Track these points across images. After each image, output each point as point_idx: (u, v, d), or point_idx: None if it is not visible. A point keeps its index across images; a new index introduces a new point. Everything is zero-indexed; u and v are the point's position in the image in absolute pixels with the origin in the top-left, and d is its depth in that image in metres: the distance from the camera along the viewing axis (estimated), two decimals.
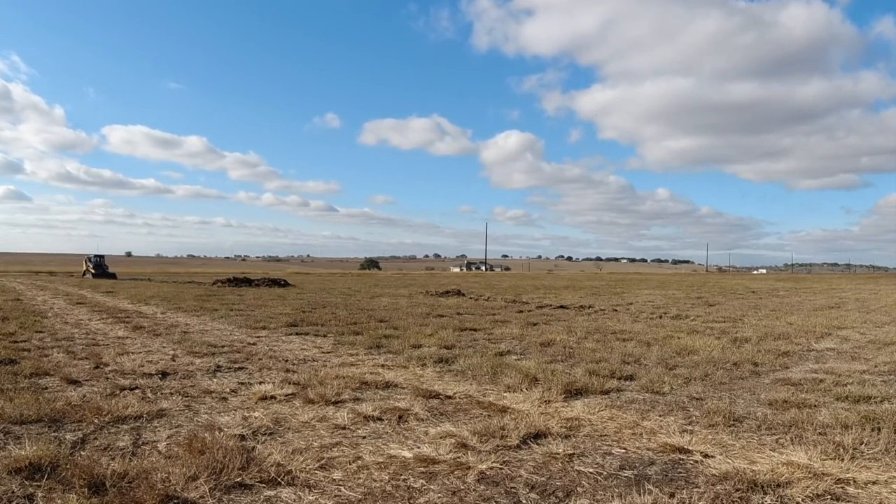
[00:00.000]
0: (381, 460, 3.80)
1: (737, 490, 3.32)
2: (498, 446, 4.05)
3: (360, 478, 3.52)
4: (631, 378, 6.45)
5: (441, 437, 4.26)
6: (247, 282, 31.32)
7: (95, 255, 49.95)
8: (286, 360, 7.50)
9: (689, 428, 4.56)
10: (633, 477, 3.56)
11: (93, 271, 47.29)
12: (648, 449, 4.07)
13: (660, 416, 4.93)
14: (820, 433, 4.37)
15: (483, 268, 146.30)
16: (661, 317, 14.05)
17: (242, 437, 4.24)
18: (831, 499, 3.27)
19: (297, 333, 10.33)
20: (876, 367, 7.37)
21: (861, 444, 4.07)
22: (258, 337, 9.87)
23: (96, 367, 6.89)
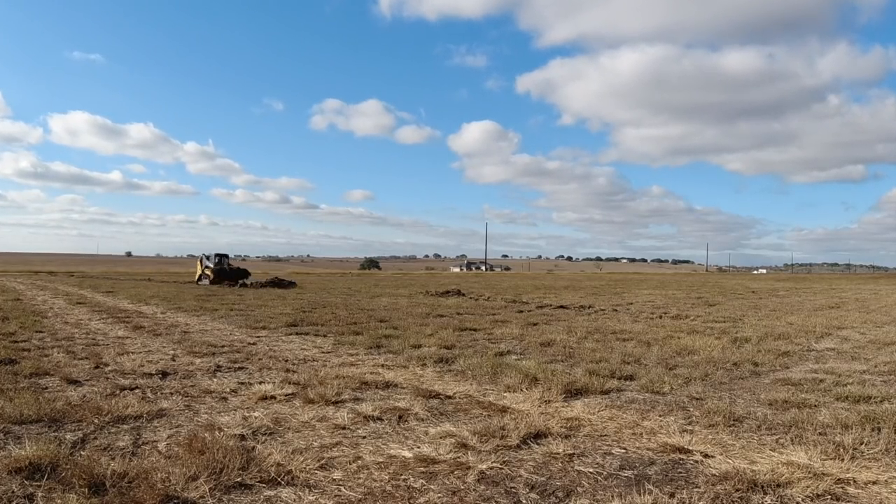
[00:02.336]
0: (381, 460, 3.80)
1: (737, 490, 3.32)
2: (498, 446, 4.05)
3: (360, 478, 3.52)
4: (631, 378, 6.45)
5: (441, 437, 4.25)
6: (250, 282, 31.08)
7: (216, 254, 35.84)
8: (286, 360, 7.50)
9: (689, 428, 4.56)
10: (633, 477, 3.56)
11: (210, 275, 33.91)
12: (648, 449, 4.07)
13: (660, 415, 4.93)
14: (820, 433, 4.37)
15: (483, 268, 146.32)
16: (661, 317, 14.04)
17: (242, 437, 4.24)
18: (831, 499, 3.27)
19: (297, 333, 10.33)
20: (876, 367, 7.37)
21: (861, 444, 4.07)
22: (258, 337, 9.87)
23: (96, 367, 6.89)
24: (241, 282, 31.98)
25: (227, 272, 34.02)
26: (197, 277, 35.54)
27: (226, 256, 36.36)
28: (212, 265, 34.70)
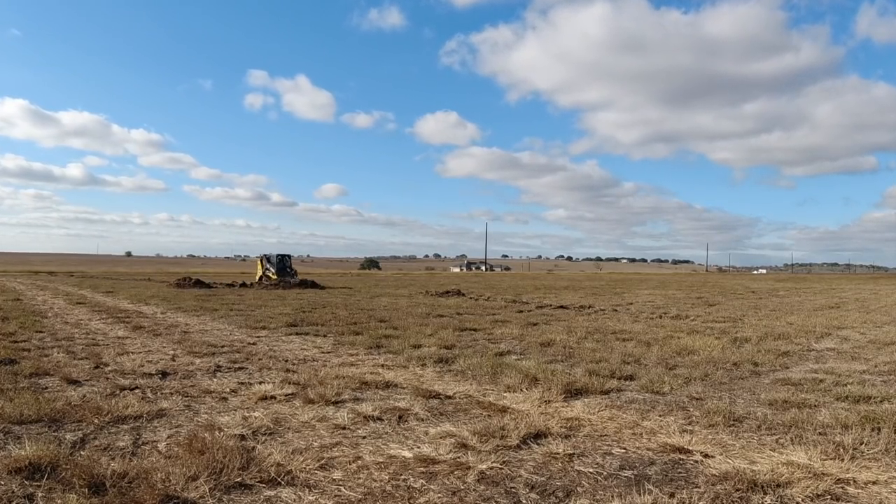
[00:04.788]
0: (381, 460, 3.80)
1: (737, 490, 3.32)
2: (498, 446, 4.05)
3: (360, 478, 3.52)
4: (631, 378, 6.45)
5: (441, 437, 4.25)
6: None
7: (279, 255, 34.54)
8: (286, 360, 7.50)
9: (689, 428, 4.56)
10: (633, 477, 3.56)
11: (273, 276, 32.67)
12: (648, 449, 4.07)
13: (660, 416, 4.93)
14: (820, 433, 4.37)
15: (483, 268, 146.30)
16: (661, 317, 14.04)
17: (242, 437, 4.24)
18: (831, 499, 3.27)
19: (297, 333, 10.33)
20: (876, 367, 7.37)
21: (861, 444, 4.07)
22: (258, 337, 9.87)
23: (96, 367, 6.89)
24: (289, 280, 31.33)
25: (289, 273, 33.32)
26: (258, 278, 34.20)
27: (289, 257, 35.29)
28: (273, 267, 33.65)
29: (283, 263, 34.19)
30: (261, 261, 35.37)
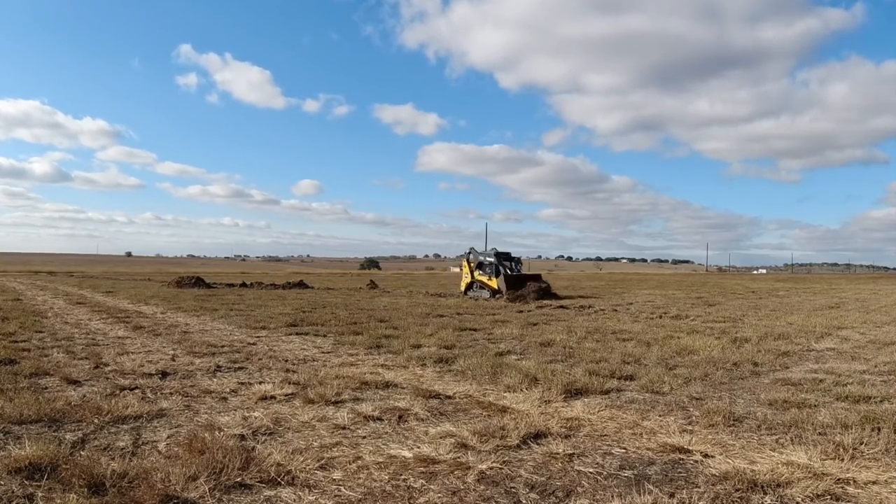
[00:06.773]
0: (381, 460, 3.80)
1: (737, 490, 3.32)
2: (498, 446, 4.05)
3: (360, 478, 3.52)
4: (631, 378, 6.45)
5: (441, 437, 4.25)
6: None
7: (498, 252, 22.39)
8: (286, 360, 7.50)
9: (689, 428, 4.56)
10: (633, 477, 3.56)
11: (491, 284, 21.43)
12: (648, 449, 4.07)
13: (660, 415, 4.93)
14: (820, 433, 4.37)
15: None
16: (661, 317, 14.04)
17: (242, 437, 4.24)
18: (831, 499, 3.27)
19: (297, 333, 10.33)
20: (876, 367, 7.37)
21: (861, 444, 4.07)
22: (258, 337, 9.87)
23: (96, 367, 6.89)
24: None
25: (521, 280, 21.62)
26: (464, 288, 23.29)
27: (512, 258, 23.06)
28: (490, 272, 21.86)
29: (501, 267, 21.81)
30: (465, 262, 23.71)
